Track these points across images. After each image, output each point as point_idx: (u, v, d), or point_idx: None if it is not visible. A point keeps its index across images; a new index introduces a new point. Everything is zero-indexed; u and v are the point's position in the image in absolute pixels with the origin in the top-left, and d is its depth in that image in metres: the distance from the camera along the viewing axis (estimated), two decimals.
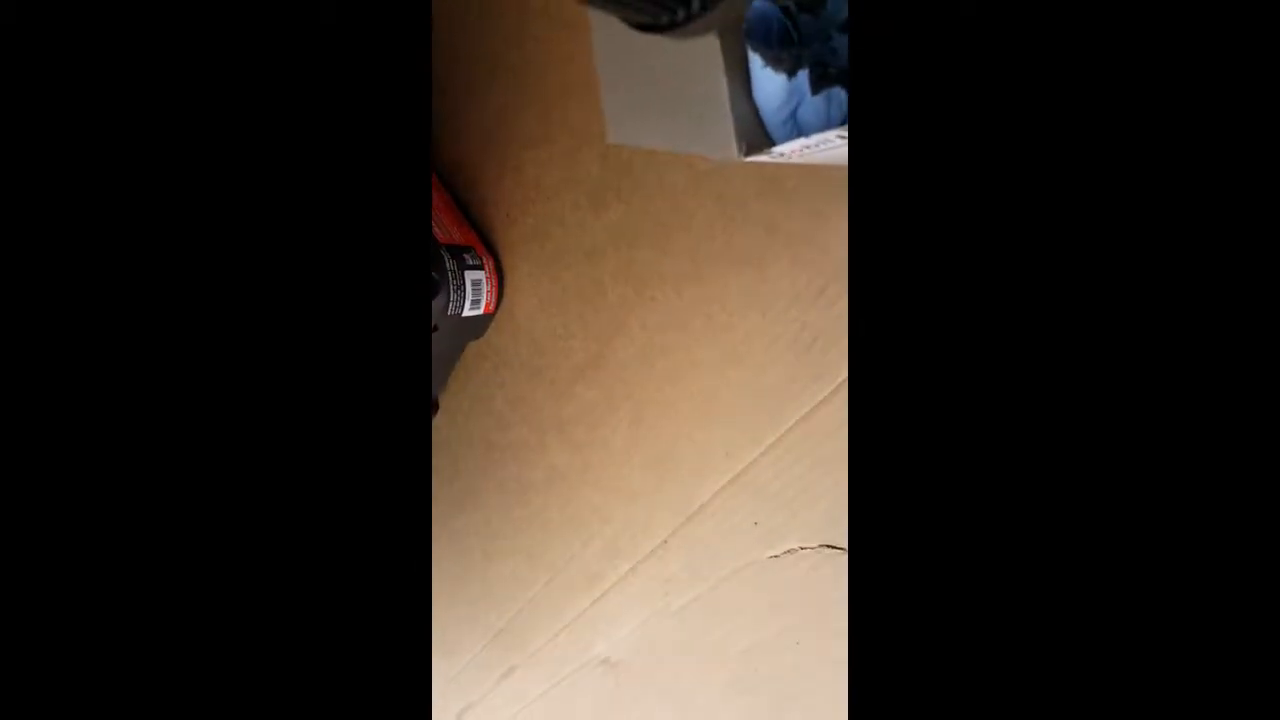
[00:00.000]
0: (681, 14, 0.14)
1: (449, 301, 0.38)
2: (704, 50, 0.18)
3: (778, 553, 0.34)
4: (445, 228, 0.40)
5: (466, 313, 0.41)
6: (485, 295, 0.41)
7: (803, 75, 0.17)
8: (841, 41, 0.18)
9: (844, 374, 0.29)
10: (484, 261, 0.41)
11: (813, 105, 0.18)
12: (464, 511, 0.46)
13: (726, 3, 0.14)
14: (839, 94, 0.18)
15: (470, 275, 0.40)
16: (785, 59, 0.17)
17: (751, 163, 0.19)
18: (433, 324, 0.38)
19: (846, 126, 0.18)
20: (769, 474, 0.33)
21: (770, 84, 0.18)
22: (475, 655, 0.49)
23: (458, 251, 0.40)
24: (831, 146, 0.18)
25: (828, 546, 0.33)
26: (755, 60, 0.18)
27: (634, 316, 0.35)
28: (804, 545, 0.33)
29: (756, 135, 0.19)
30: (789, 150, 0.18)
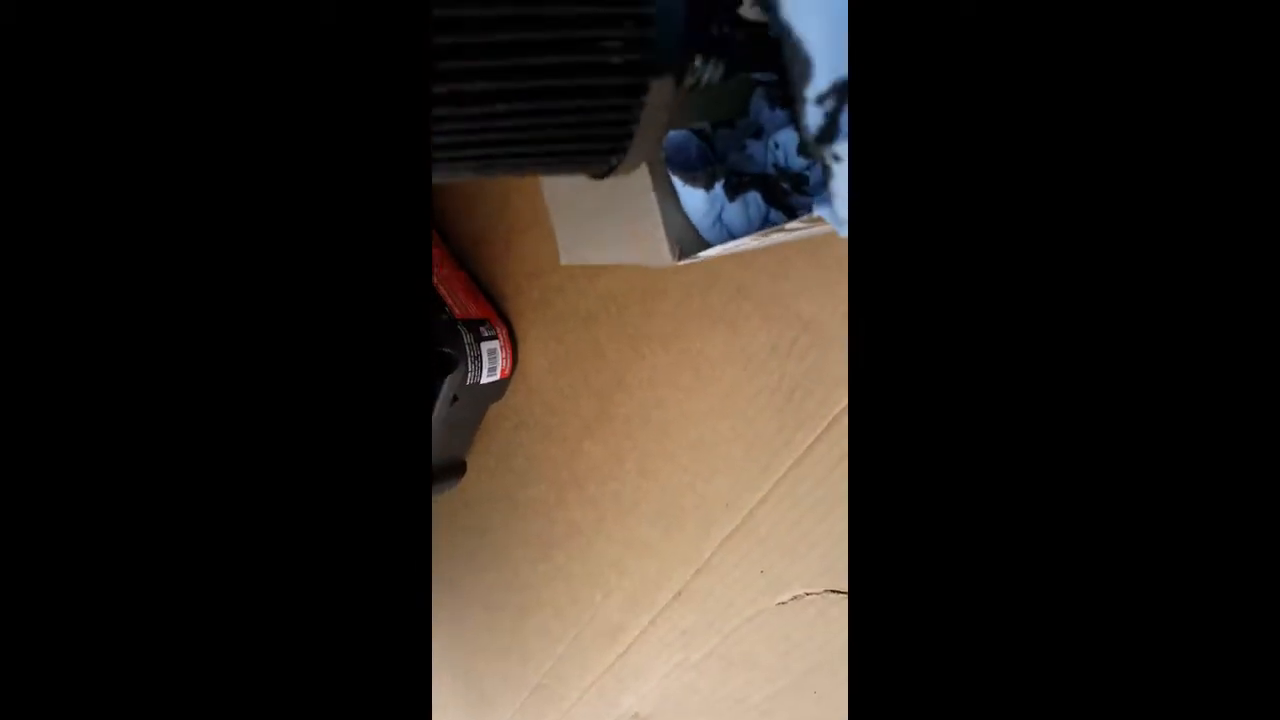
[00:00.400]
0: (615, 160, 0.16)
1: (467, 373, 0.41)
2: (635, 178, 0.20)
3: (785, 599, 0.35)
4: (462, 303, 0.44)
5: (485, 380, 0.44)
6: (501, 362, 0.44)
7: (719, 186, 0.20)
8: (756, 147, 0.20)
9: (825, 421, 0.30)
10: (498, 331, 0.44)
11: (733, 210, 0.20)
12: (493, 567, 0.48)
13: (644, 144, 0.16)
14: (754, 197, 0.20)
15: (486, 346, 0.43)
16: (700, 177, 0.20)
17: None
18: (454, 396, 0.42)
19: (765, 228, 0.20)
20: (768, 523, 0.34)
21: (693, 197, 0.20)
22: (514, 712, 0.50)
23: (473, 325, 0.43)
24: (764, 241, 0.20)
25: (831, 591, 0.33)
26: (677, 179, 0.20)
27: (630, 373, 0.37)
28: (809, 591, 0.34)
29: (690, 240, 0.21)
30: (722, 251, 0.21)
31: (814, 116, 0.15)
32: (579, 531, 0.42)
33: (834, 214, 0.16)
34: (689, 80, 0.17)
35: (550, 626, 0.46)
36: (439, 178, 0.15)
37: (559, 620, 0.45)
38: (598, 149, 0.16)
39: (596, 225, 0.22)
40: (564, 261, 0.23)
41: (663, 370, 0.36)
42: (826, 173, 0.16)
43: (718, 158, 0.21)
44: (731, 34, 0.17)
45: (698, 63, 0.17)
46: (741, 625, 0.37)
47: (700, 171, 0.20)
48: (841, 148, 0.15)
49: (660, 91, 0.15)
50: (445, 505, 0.50)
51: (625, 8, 0.14)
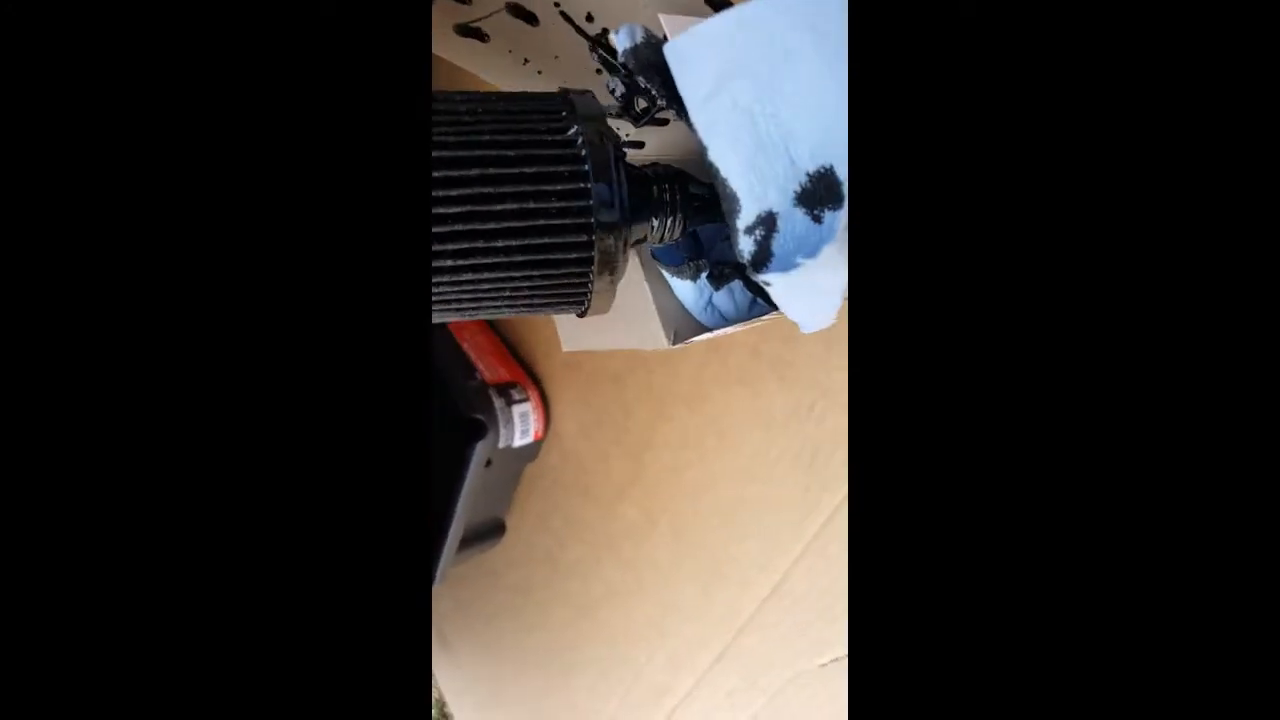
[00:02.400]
0: (583, 307, 0.19)
1: (498, 438, 0.44)
2: (629, 271, 0.23)
3: (825, 661, 0.35)
4: (492, 366, 0.47)
5: (518, 443, 0.46)
6: (534, 424, 0.46)
7: (704, 278, 0.22)
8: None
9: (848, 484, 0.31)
10: (529, 393, 0.46)
11: (721, 296, 0.22)
12: (539, 627, 0.50)
13: (604, 292, 0.19)
14: (737, 285, 0.22)
15: (518, 409, 0.46)
16: (686, 269, 0.22)
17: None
18: (487, 460, 0.44)
19: (754, 310, 0.22)
20: (803, 584, 0.35)
21: (683, 286, 0.22)
22: None
23: (504, 389, 0.46)
24: (759, 319, 0.22)
25: None
26: (665, 272, 0.22)
27: (658, 434, 0.39)
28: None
29: (685, 325, 0.23)
30: (717, 334, 0.23)
31: (746, 245, 0.17)
32: (616, 593, 0.44)
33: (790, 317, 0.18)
34: (651, 236, 0.20)
35: (598, 686, 0.47)
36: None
37: (605, 679, 0.47)
38: (565, 303, 0.19)
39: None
40: (566, 349, 0.25)
41: (690, 432, 0.37)
42: (767, 291, 0.18)
43: (704, 249, 0.23)
44: (678, 198, 0.20)
45: (654, 222, 0.20)
46: (785, 687, 0.37)
47: (685, 265, 0.22)
48: (774, 276, 0.17)
49: (606, 258, 0.18)
50: (488, 564, 0.52)
51: (570, 201, 0.17)
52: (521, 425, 0.46)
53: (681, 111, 0.18)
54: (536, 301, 0.19)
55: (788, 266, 0.17)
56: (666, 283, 0.23)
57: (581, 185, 0.17)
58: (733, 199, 0.17)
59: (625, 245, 0.19)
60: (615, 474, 0.42)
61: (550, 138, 0.17)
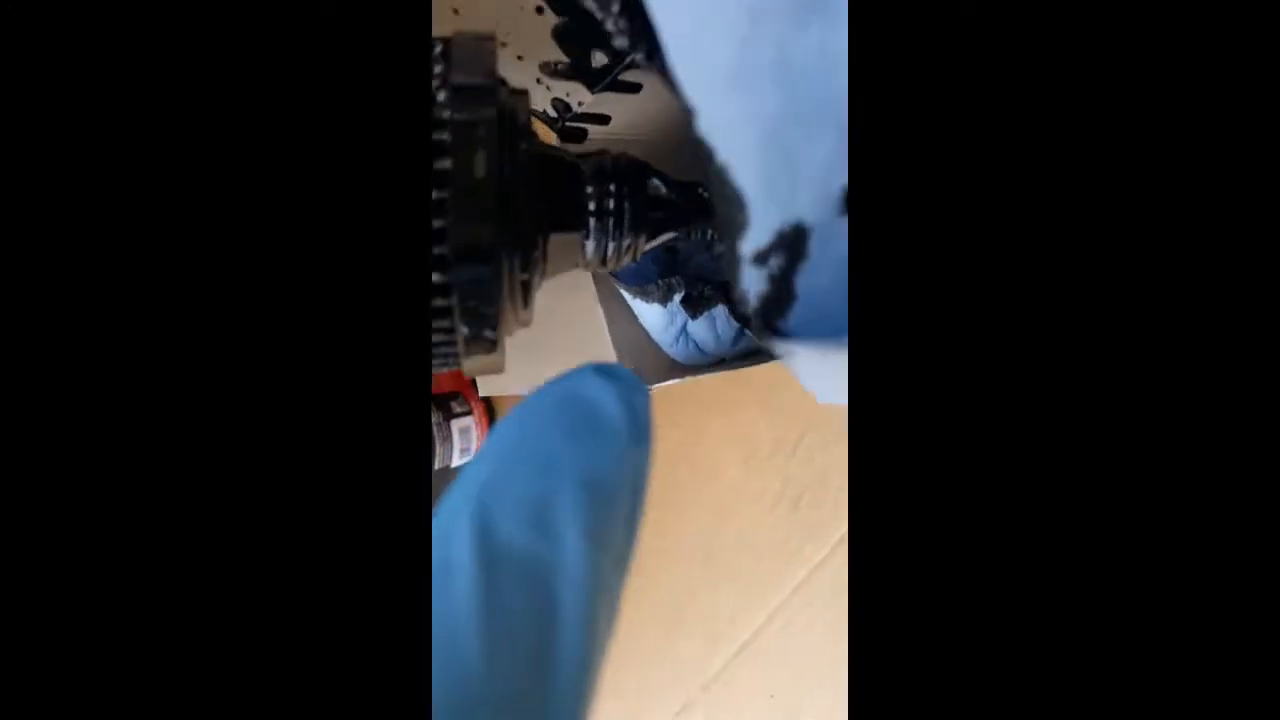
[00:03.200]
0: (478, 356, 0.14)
1: (434, 457, 0.39)
2: (577, 294, 0.17)
3: None
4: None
5: (456, 463, 0.41)
6: (475, 442, 0.41)
7: (677, 301, 0.17)
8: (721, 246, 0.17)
9: (837, 534, 0.27)
10: (473, 406, 0.41)
11: (699, 325, 0.17)
12: None
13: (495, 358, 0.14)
14: (720, 312, 0.17)
15: (457, 424, 0.41)
16: (653, 290, 0.17)
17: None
18: None
19: (740, 346, 0.17)
20: (776, 643, 0.31)
21: (650, 312, 0.17)
22: None
23: (443, 400, 0.41)
24: (751, 364, 0.17)
25: None
26: (627, 294, 0.17)
27: None
28: None
29: (651, 362, 0.18)
30: (696, 379, 0.18)
31: (754, 281, 0.12)
32: None
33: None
34: (584, 261, 0.15)
35: None
36: None
37: None
38: (448, 354, 0.14)
39: (536, 345, 0.19)
40: (483, 393, 0.20)
41: (656, 459, 0.33)
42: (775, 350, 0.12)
43: (680, 263, 0.18)
44: (628, 205, 0.14)
45: (586, 244, 0.14)
46: None
47: (652, 285, 0.17)
48: (793, 324, 0.11)
49: (472, 307, 0.13)
50: None
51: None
52: (462, 442, 0.41)
53: (653, 55, 0.12)
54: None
55: (820, 330, 0.11)
56: (628, 306, 0.18)
57: (434, 193, 0.11)
58: (736, 204, 0.11)
59: (519, 283, 0.13)
60: None
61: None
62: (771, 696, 0.32)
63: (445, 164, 0.11)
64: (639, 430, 0.13)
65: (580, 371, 0.13)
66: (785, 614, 0.30)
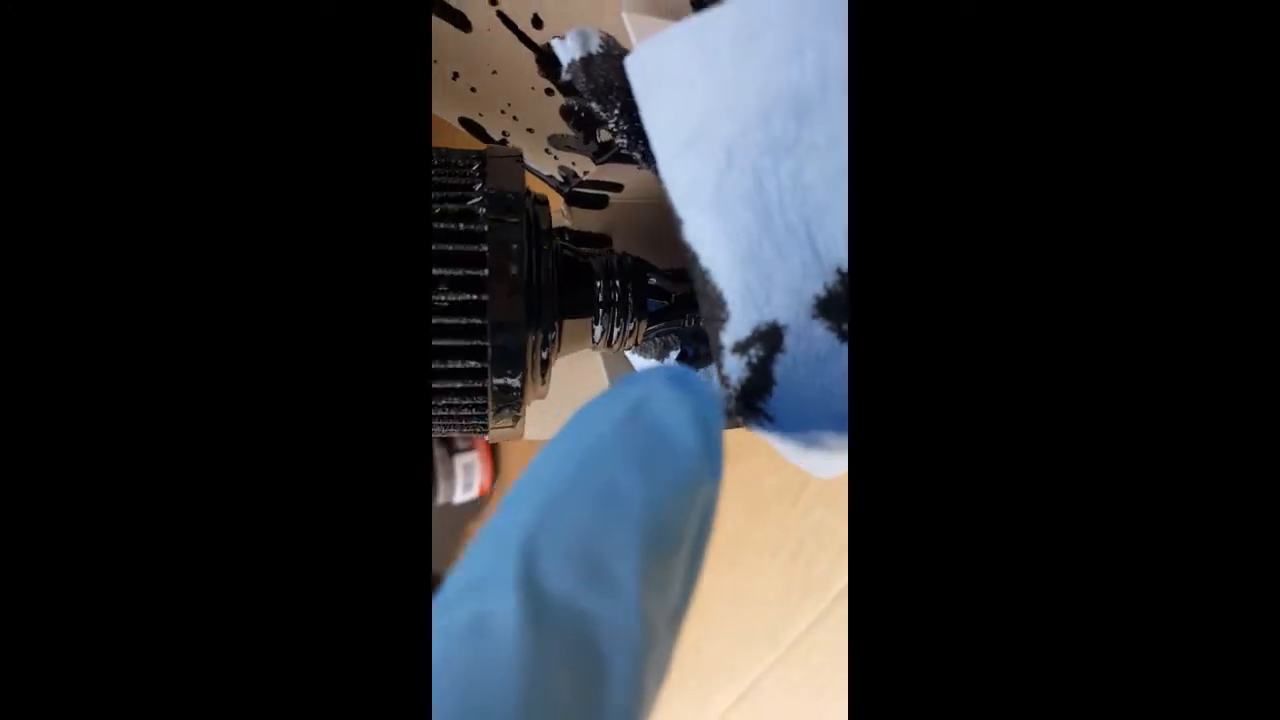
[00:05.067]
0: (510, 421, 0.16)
1: (437, 493, 0.40)
2: (585, 358, 0.19)
3: None
4: None
5: (459, 498, 0.42)
6: (479, 477, 0.42)
7: (673, 358, 0.18)
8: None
9: (835, 589, 0.27)
10: (475, 441, 0.42)
11: None
12: None
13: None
14: (710, 371, 0.18)
15: (461, 460, 0.42)
16: (651, 347, 0.18)
17: None
18: None
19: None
20: (772, 697, 0.31)
21: (647, 365, 0.18)
22: None
23: (445, 437, 0.42)
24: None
25: None
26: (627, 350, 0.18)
27: None
28: None
29: None
30: None
31: (735, 368, 0.13)
32: None
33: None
34: (596, 344, 0.17)
35: None
36: None
37: None
38: (460, 426, 0.16)
39: (551, 404, 0.20)
40: (527, 438, 0.22)
41: None
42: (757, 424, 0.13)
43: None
44: (633, 298, 0.17)
45: (596, 329, 0.17)
46: None
47: (651, 341, 0.18)
48: (774, 407, 0.13)
49: (506, 389, 0.15)
50: None
51: (460, 316, 0.14)
52: (465, 478, 0.42)
53: (647, 158, 0.13)
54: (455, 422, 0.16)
55: (799, 417, 0.12)
56: (627, 360, 0.19)
57: (471, 297, 0.13)
58: (717, 302, 0.13)
59: (539, 360, 0.15)
60: None
61: (452, 208, 0.13)
62: None
63: (479, 261, 0.14)
64: (713, 458, 0.11)
65: (650, 378, 0.11)
66: (781, 669, 0.30)
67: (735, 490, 0.30)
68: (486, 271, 0.13)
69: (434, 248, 0.13)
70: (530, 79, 0.18)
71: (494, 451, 0.43)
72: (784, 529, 0.28)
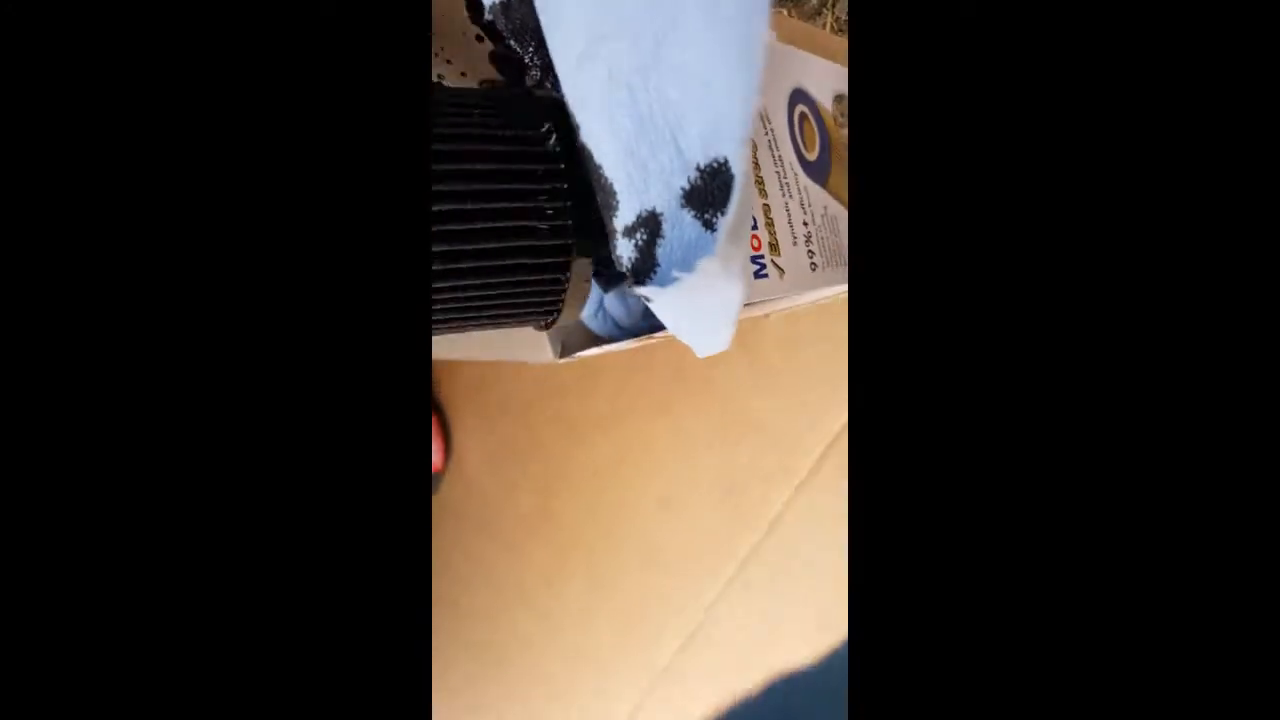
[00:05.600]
0: (551, 319, 0.18)
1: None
2: None
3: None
4: None
5: None
6: (432, 454, 0.44)
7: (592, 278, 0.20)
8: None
9: (766, 520, 0.30)
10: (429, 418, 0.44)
11: (611, 300, 0.21)
12: (438, 687, 0.47)
13: (573, 305, 0.18)
14: (629, 290, 0.20)
15: None
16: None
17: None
18: None
19: (648, 322, 0.20)
20: (721, 629, 0.33)
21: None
22: None
23: None
24: (657, 334, 0.21)
25: None
26: None
27: (572, 464, 0.37)
28: None
29: (576, 336, 0.21)
30: (605, 350, 0.21)
31: (626, 250, 0.16)
32: (526, 643, 0.42)
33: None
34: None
35: None
36: None
37: None
38: (533, 315, 0.19)
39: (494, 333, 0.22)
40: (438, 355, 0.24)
41: (605, 461, 0.36)
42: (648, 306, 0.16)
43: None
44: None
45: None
46: None
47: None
48: (656, 290, 0.15)
49: (581, 268, 0.17)
50: None
51: (549, 201, 0.16)
52: None
53: (554, 80, 0.16)
54: (504, 315, 0.18)
55: (667, 281, 0.15)
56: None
57: (561, 204, 0.17)
58: (609, 192, 0.16)
59: (599, 258, 0.18)
60: (524, 509, 0.40)
61: (535, 149, 0.16)
62: (716, 680, 0.34)
63: (565, 203, 0.17)
64: None
65: None
66: (724, 602, 0.33)
67: (671, 443, 0.33)
68: (566, 184, 0.16)
69: (530, 187, 0.16)
70: (463, 25, 0.20)
71: (445, 430, 0.45)
72: (719, 469, 0.31)
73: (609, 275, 0.20)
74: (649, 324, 0.20)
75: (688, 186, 0.15)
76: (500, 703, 0.45)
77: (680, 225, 0.15)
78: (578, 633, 0.39)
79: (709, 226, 0.15)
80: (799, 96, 0.22)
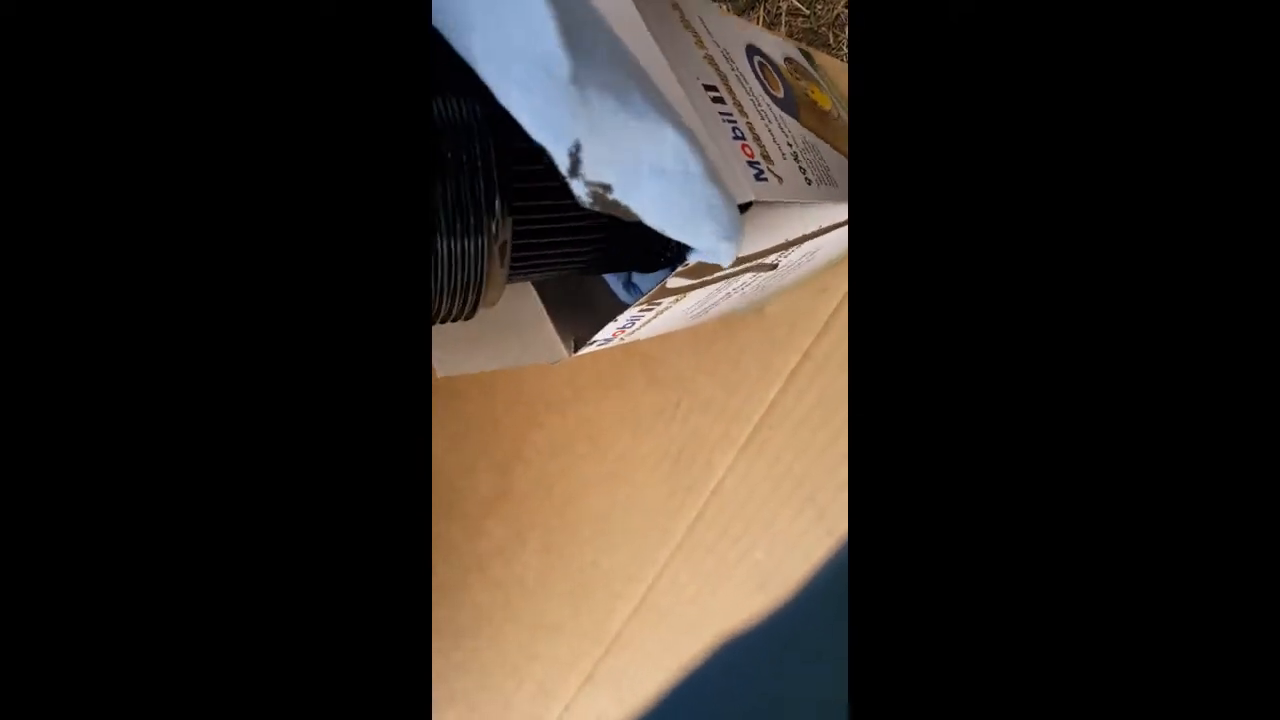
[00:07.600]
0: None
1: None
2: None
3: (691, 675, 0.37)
4: None
5: None
6: None
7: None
8: None
9: (710, 485, 0.33)
10: None
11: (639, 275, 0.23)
12: None
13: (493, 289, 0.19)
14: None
15: None
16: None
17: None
18: None
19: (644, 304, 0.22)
20: (669, 596, 0.36)
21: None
22: None
23: None
24: (651, 315, 0.22)
25: None
26: None
27: (528, 444, 0.40)
28: None
29: (587, 325, 0.23)
30: (621, 332, 0.23)
31: (581, 191, 0.16)
32: (486, 618, 0.44)
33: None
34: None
35: None
36: None
37: (473, 715, 0.46)
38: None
39: (476, 331, 0.24)
40: (441, 374, 0.25)
41: (561, 439, 0.38)
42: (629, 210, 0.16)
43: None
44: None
45: None
46: (657, 704, 0.38)
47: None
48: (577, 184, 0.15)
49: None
50: None
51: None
52: None
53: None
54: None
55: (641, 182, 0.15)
56: (559, 291, 0.23)
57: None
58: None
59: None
60: (482, 488, 0.43)
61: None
62: (667, 648, 0.37)
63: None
64: None
65: None
66: (673, 567, 0.36)
67: (620, 418, 0.36)
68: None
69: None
70: None
71: None
72: (664, 440, 0.34)
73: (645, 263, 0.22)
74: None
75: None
76: (454, 672, 0.47)
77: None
78: (533, 606, 0.42)
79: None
80: (754, 50, 0.24)
